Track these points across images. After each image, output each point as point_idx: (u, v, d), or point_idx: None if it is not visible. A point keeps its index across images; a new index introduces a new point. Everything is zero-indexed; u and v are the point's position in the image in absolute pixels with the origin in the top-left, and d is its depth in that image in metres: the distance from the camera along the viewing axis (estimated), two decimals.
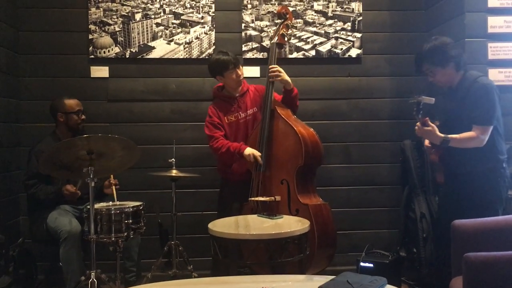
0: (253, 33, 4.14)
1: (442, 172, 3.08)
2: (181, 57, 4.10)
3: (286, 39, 3.57)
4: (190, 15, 4.12)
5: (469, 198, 2.85)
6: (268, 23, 4.15)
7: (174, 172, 3.47)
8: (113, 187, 3.37)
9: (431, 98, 2.76)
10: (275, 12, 3.93)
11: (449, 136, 2.78)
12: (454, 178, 2.97)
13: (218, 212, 3.60)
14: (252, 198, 3.28)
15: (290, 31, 3.60)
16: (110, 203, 3.29)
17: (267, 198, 3.23)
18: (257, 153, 3.33)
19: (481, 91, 2.80)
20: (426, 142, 3.05)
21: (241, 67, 3.53)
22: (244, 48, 4.13)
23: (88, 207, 2.85)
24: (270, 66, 3.43)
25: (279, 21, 3.61)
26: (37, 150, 3.40)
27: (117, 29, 4.06)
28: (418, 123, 2.83)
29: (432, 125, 2.80)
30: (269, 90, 3.41)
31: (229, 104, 3.55)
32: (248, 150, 3.34)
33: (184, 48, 4.10)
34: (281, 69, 3.42)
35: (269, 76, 3.41)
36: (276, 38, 3.51)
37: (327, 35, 4.18)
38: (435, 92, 3.04)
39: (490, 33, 3.60)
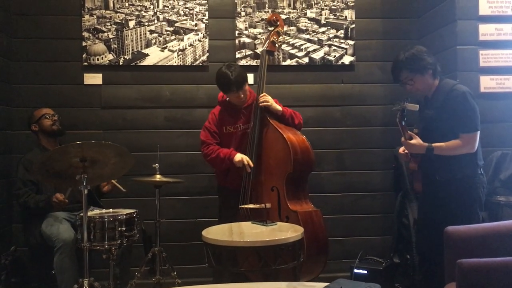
0: (247, 40, 4.16)
1: (420, 181, 3.00)
2: (175, 64, 4.10)
3: (276, 46, 3.58)
4: (184, 22, 4.12)
5: (450, 205, 2.85)
6: (261, 31, 4.16)
7: (158, 178, 3.45)
8: (112, 181, 3.45)
9: (415, 105, 2.76)
10: (266, 19, 3.94)
11: (433, 144, 2.80)
12: (434, 185, 2.93)
13: (219, 219, 3.58)
14: (243, 206, 3.28)
15: (281, 38, 3.61)
16: (104, 210, 3.28)
17: (257, 206, 3.22)
18: (247, 158, 3.32)
19: (460, 99, 2.80)
20: (401, 149, 3.02)
21: (246, 87, 3.39)
22: (237, 55, 4.14)
23: (82, 214, 2.84)
24: (260, 96, 3.39)
25: (270, 28, 3.63)
26: (24, 160, 3.44)
27: (110, 36, 4.06)
28: (402, 138, 2.84)
29: (416, 137, 2.82)
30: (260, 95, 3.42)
31: (232, 114, 3.50)
32: (239, 156, 3.34)
33: (178, 55, 4.10)
34: (268, 98, 3.38)
35: (259, 103, 3.37)
36: (266, 45, 3.52)
37: (320, 43, 4.20)
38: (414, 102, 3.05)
39: (481, 40, 3.64)
